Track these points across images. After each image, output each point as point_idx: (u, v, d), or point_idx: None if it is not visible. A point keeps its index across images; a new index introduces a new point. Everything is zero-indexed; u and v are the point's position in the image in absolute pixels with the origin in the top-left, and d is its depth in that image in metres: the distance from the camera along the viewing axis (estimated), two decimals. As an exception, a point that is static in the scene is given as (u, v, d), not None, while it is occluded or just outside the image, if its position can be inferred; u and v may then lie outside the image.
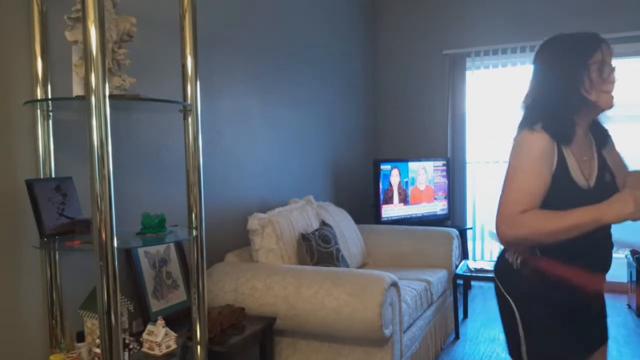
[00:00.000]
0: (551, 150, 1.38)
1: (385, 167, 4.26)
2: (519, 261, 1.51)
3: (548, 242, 1.35)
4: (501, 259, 1.58)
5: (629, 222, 1.33)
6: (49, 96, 1.81)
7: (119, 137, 2.11)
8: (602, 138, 1.52)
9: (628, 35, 4.20)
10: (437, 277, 3.21)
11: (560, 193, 1.38)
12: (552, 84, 1.42)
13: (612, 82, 1.40)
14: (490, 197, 4.76)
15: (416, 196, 4.47)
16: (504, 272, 1.58)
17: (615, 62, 1.46)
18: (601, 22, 4.30)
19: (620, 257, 4.44)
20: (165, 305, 2.26)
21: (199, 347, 1.93)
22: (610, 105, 1.41)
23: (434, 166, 4.58)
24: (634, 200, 1.26)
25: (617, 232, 1.57)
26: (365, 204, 4.55)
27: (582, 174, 1.42)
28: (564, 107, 1.40)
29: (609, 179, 1.47)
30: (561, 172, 1.39)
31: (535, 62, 1.49)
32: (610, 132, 1.55)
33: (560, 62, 1.41)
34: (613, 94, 1.41)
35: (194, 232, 1.92)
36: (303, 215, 3.06)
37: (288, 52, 3.53)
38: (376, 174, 4.22)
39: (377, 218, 4.23)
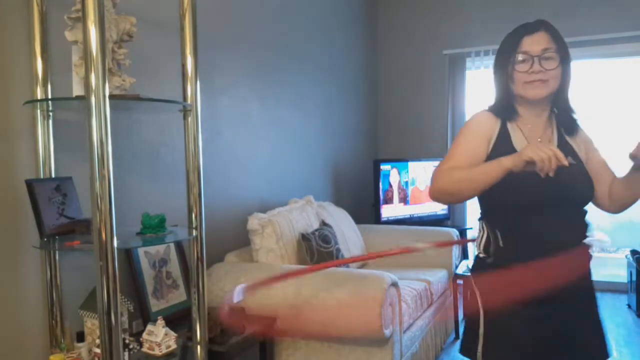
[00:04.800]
0: (487, 122, 1.50)
1: (385, 167, 4.25)
2: (482, 247, 1.52)
3: (463, 192, 1.41)
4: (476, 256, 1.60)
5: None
6: (49, 96, 1.81)
7: (119, 137, 2.11)
8: (567, 126, 1.52)
9: (628, 35, 4.19)
10: (437, 277, 3.21)
11: None
12: (494, 83, 1.56)
13: (537, 71, 1.41)
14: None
15: (416, 196, 4.46)
16: (474, 264, 1.59)
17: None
18: (600, 21, 4.30)
19: (620, 257, 4.45)
20: (165, 305, 2.26)
21: (199, 347, 1.93)
22: (534, 96, 1.44)
23: (434, 166, 4.57)
24: (531, 149, 1.26)
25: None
26: (365, 204, 4.55)
27: None
28: (501, 100, 1.52)
29: (570, 161, 1.43)
30: (502, 142, 1.47)
31: None
32: (578, 121, 1.54)
33: (495, 62, 1.54)
34: (539, 83, 1.42)
35: (194, 232, 1.92)
36: (303, 215, 3.06)
37: (288, 52, 3.53)
38: (376, 174, 4.22)
39: (377, 218, 4.23)
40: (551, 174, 1.24)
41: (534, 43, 1.43)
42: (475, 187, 1.37)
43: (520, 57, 1.44)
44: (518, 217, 1.45)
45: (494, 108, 1.53)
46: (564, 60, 1.45)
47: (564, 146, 1.49)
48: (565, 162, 1.23)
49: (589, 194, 1.49)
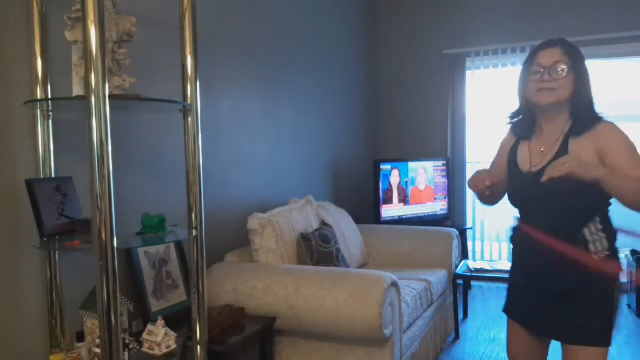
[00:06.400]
0: (507, 143, 1.82)
1: (385, 167, 4.25)
2: None
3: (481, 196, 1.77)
4: None
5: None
6: (49, 96, 1.81)
7: (119, 137, 2.11)
8: (577, 128, 1.62)
9: (627, 35, 4.20)
10: (437, 277, 3.21)
11: (509, 172, 1.78)
12: (517, 96, 1.76)
13: (547, 80, 1.60)
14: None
15: (416, 196, 4.47)
16: None
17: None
18: (600, 22, 4.30)
19: (620, 257, 4.43)
20: (165, 305, 2.26)
21: (199, 347, 1.93)
22: (541, 102, 1.63)
23: (434, 166, 4.58)
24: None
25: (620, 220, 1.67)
26: (365, 204, 4.55)
27: (530, 161, 1.70)
28: (522, 110, 1.75)
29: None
30: (511, 158, 1.78)
31: None
32: (596, 124, 1.60)
33: (519, 75, 1.73)
34: (547, 91, 1.60)
35: (194, 232, 1.92)
36: (303, 215, 3.06)
37: (288, 52, 3.53)
38: (376, 174, 4.22)
39: (377, 218, 4.23)
40: (486, 193, 1.66)
41: (547, 56, 1.62)
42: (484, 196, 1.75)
43: (534, 68, 1.64)
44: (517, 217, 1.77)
45: (514, 129, 1.80)
46: (577, 71, 1.60)
47: (560, 154, 1.62)
48: (487, 183, 1.62)
49: (576, 201, 1.57)
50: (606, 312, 1.62)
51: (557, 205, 1.61)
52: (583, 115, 1.62)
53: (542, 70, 1.61)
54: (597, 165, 1.53)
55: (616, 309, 1.67)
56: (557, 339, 1.70)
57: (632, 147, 1.56)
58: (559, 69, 1.59)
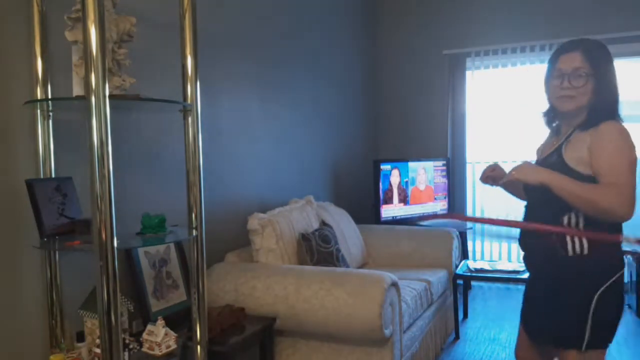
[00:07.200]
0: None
1: (385, 167, 4.26)
2: None
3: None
4: None
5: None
6: (49, 96, 1.81)
7: (119, 137, 2.11)
8: (584, 124, 1.61)
9: (627, 35, 4.20)
10: (437, 277, 3.21)
11: None
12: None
13: (566, 88, 1.60)
14: (491, 196, 4.76)
15: (416, 196, 4.47)
16: None
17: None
18: (601, 22, 4.30)
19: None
20: (165, 305, 2.26)
21: (199, 347, 1.93)
22: (562, 108, 1.64)
23: (434, 166, 4.58)
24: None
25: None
26: (365, 204, 4.55)
27: (543, 153, 1.78)
28: (548, 112, 1.76)
29: (554, 159, 1.64)
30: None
31: None
32: (602, 123, 1.57)
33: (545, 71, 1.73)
34: (567, 98, 1.60)
35: (194, 232, 1.92)
36: (303, 215, 3.06)
37: (288, 52, 3.53)
38: (376, 174, 4.22)
39: (377, 218, 4.23)
40: (491, 183, 1.77)
41: (567, 62, 1.60)
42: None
43: (555, 72, 1.63)
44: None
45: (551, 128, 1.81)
46: (597, 77, 1.57)
47: (554, 155, 1.66)
48: (487, 173, 1.74)
49: (545, 193, 1.56)
50: (586, 313, 1.62)
51: (547, 204, 1.62)
52: (597, 114, 1.59)
53: (562, 75, 1.60)
54: (541, 170, 1.55)
55: (614, 307, 1.76)
56: (543, 342, 1.76)
57: (617, 153, 1.50)
58: (580, 76, 1.57)
